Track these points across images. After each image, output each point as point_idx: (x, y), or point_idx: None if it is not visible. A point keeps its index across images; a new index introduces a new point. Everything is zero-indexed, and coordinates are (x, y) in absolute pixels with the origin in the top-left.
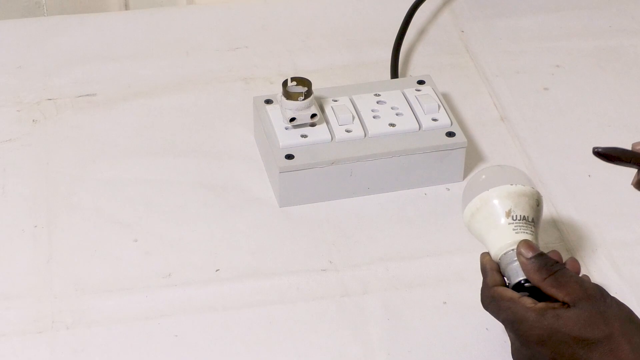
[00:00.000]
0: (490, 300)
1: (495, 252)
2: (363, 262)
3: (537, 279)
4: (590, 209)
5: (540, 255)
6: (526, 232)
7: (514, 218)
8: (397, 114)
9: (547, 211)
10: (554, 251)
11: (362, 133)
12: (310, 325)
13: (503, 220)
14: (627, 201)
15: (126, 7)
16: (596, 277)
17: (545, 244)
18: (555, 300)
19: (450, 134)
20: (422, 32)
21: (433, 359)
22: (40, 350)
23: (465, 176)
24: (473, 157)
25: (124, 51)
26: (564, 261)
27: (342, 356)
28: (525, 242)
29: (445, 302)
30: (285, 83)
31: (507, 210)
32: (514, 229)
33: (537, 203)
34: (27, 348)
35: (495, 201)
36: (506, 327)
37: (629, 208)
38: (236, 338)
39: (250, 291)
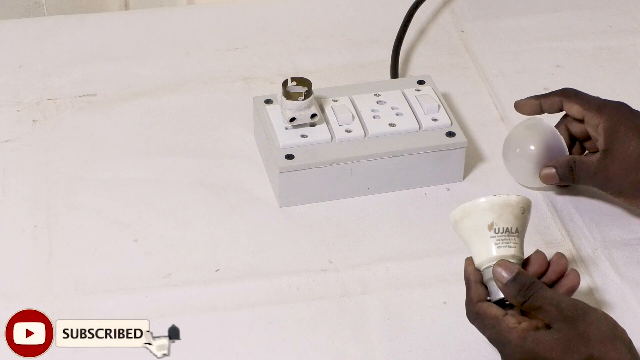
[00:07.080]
0: (475, 317)
1: (478, 264)
2: (363, 262)
3: (515, 304)
4: (590, 209)
5: (515, 280)
6: (508, 246)
7: (497, 231)
8: (397, 114)
9: (547, 211)
10: (538, 252)
11: (362, 133)
12: (310, 325)
13: (485, 233)
14: None
15: (126, 7)
16: (596, 277)
17: (546, 244)
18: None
19: (450, 134)
20: (422, 32)
21: (433, 359)
22: None
23: (465, 176)
24: (473, 157)
25: (124, 51)
26: (549, 259)
27: (342, 356)
28: (500, 265)
29: (445, 302)
30: (285, 83)
31: (489, 224)
32: (495, 243)
33: (522, 211)
34: None
35: (478, 213)
36: (491, 343)
37: (629, 208)
38: (236, 338)
39: (250, 291)
